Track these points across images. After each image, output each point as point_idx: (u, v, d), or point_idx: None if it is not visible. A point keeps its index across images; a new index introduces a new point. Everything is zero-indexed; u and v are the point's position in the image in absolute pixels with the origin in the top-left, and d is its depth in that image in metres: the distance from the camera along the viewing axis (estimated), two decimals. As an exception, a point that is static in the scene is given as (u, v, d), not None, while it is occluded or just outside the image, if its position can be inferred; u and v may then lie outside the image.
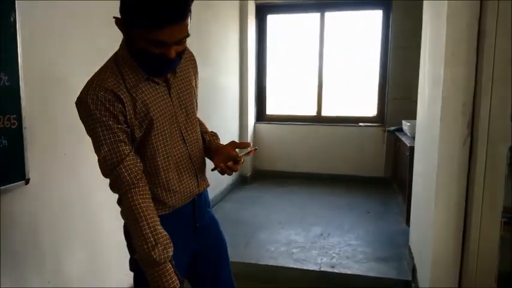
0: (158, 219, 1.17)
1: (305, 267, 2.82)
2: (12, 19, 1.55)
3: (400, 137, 4.14)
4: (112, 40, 1.33)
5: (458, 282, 2.01)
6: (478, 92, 1.89)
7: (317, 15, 5.14)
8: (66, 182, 1.95)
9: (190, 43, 1.47)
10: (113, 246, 2.35)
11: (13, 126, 1.58)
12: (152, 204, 1.18)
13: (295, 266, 2.83)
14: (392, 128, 4.56)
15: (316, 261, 2.90)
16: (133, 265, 1.25)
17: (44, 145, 1.80)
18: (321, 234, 3.40)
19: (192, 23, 1.11)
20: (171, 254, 1.15)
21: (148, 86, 1.20)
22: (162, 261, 1.13)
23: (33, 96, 1.69)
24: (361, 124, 5.12)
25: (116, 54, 1.20)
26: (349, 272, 2.76)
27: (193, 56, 1.41)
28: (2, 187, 1.55)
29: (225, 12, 4.50)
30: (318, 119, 5.28)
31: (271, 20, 5.39)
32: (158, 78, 1.22)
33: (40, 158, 1.76)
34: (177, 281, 1.15)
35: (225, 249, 1.52)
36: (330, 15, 5.12)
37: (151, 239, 1.12)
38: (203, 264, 1.44)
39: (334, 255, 3.00)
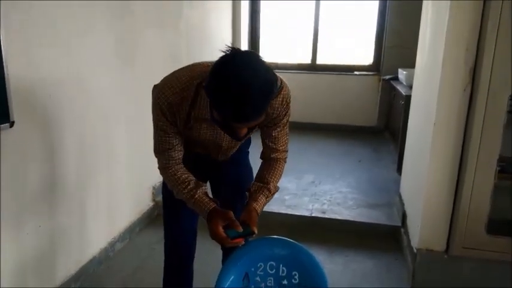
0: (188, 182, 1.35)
1: (296, 213, 2.86)
2: None
3: (395, 85, 4.08)
4: None
5: (449, 227, 2.05)
6: (483, 37, 1.82)
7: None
8: (52, 124, 1.89)
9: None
10: (106, 185, 2.35)
11: (-6, 68, 1.49)
12: (185, 175, 1.36)
13: (287, 212, 2.86)
14: (388, 76, 4.49)
15: (307, 207, 2.94)
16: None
17: (28, 87, 1.71)
18: (313, 182, 3.43)
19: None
20: (197, 192, 1.33)
21: (207, 122, 1.28)
22: (190, 197, 1.33)
23: (15, 37, 1.59)
24: (356, 73, 5.03)
25: (204, 83, 1.16)
26: (339, 217, 2.81)
27: (285, 98, 1.31)
28: (-14, 129, 1.49)
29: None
30: (313, 68, 5.16)
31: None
32: None
33: (25, 100, 1.68)
34: (211, 203, 1.30)
35: (243, 182, 1.56)
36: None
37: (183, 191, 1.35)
38: (223, 192, 1.59)
39: (325, 201, 3.04)
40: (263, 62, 1.07)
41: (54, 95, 1.87)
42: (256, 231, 1.25)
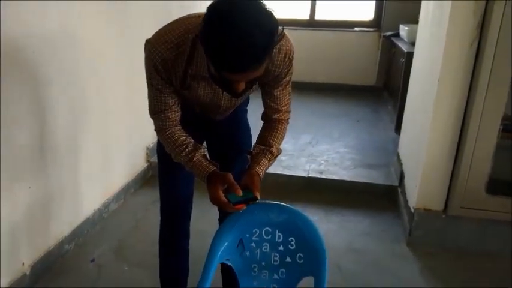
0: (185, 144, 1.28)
1: (293, 174, 2.83)
2: None
3: (396, 42, 3.94)
4: None
5: (448, 187, 2.02)
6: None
7: None
8: (39, 80, 1.79)
9: None
10: (99, 145, 2.29)
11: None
12: (183, 137, 1.28)
13: (283, 173, 2.83)
14: (389, 33, 4.33)
15: (304, 168, 2.90)
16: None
17: (11, 41, 1.59)
18: (310, 142, 3.38)
19: None
20: (195, 155, 1.26)
21: (206, 81, 1.18)
22: (188, 160, 1.26)
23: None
24: (356, 29, 4.85)
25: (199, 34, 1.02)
26: (336, 178, 2.78)
27: (288, 54, 1.22)
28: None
29: None
30: (311, 23, 4.97)
31: None
32: None
33: (7, 55, 1.57)
34: (210, 166, 1.24)
35: (241, 142, 1.53)
36: None
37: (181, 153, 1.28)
38: (220, 152, 1.53)
39: (322, 162, 3.01)
40: (262, 4, 0.95)
41: (39, 50, 1.76)
42: (259, 197, 1.18)
